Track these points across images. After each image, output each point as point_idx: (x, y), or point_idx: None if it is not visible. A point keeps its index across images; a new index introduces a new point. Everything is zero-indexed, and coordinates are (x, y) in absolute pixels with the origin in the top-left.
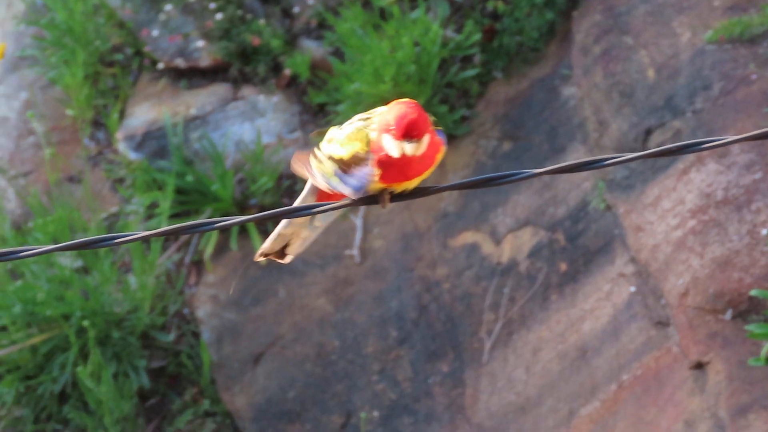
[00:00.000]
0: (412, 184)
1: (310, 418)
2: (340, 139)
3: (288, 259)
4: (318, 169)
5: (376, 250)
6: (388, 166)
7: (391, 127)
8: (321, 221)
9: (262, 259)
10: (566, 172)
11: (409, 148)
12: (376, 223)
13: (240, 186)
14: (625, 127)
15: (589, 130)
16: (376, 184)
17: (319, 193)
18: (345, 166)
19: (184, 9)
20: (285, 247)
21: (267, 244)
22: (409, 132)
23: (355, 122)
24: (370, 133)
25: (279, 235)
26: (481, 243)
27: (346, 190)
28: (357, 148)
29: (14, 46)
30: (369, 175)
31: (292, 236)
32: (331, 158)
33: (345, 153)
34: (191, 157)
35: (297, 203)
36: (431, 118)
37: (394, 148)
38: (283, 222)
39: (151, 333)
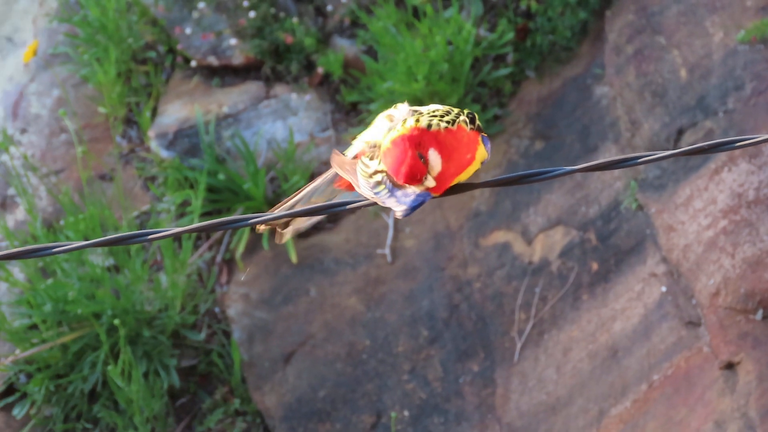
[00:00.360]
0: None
1: (341, 418)
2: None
3: (286, 237)
4: (362, 175)
5: (407, 250)
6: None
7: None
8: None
9: (262, 228)
10: (599, 170)
11: (430, 182)
12: (408, 222)
13: (272, 184)
14: (657, 126)
15: (621, 129)
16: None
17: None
18: (393, 179)
19: (217, 7)
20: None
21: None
22: (411, 179)
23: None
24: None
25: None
26: (512, 242)
27: (397, 207)
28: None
29: (47, 44)
30: (427, 196)
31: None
32: (383, 171)
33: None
34: (223, 155)
35: (311, 185)
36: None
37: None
38: (299, 196)
39: (182, 332)
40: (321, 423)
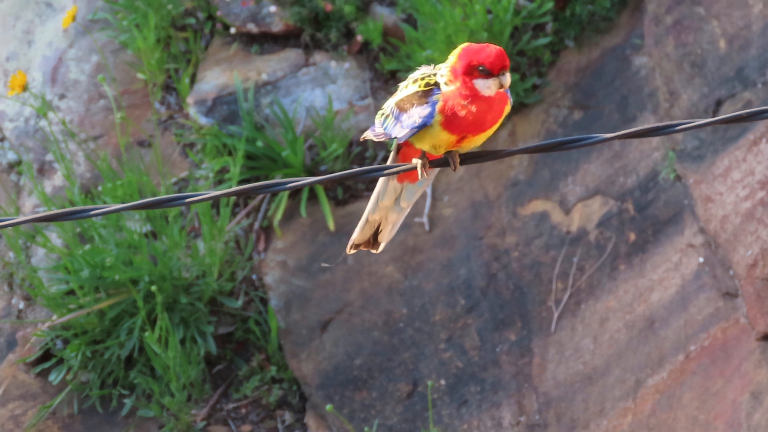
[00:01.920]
0: (479, 140)
1: (377, 386)
2: (404, 84)
3: (381, 247)
4: (376, 119)
5: (445, 218)
6: (456, 109)
7: (479, 68)
8: (407, 201)
9: (353, 251)
10: (637, 137)
11: (506, 80)
12: (446, 191)
13: (310, 152)
14: (696, 97)
15: (659, 100)
16: (442, 136)
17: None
18: (402, 104)
19: None
20: (376, 234)
21: (356, 234)
22: (501, 62)
23: (420, 71)
24: (436, 77)
25: (366, 222)
26: (550, 212)
27: (398, 131)
28: (419, 87)
29: (86, 9)
30: (428, 116)
31: (381, 221)
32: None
33: (406, 93)
34: (262, 122)
35: (376, 190)
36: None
37: (490, 86)
38: (369, 207)
39: (219, 299)
40: (357, 391)
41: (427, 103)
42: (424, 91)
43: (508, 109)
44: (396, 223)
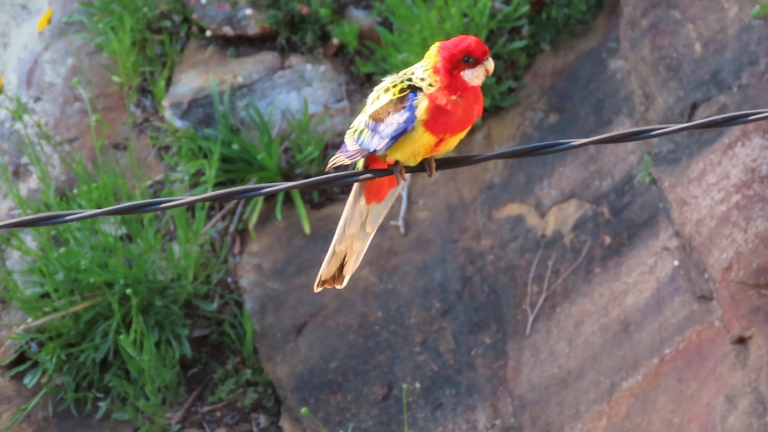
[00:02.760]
0: (454, 142)
1: (352, 389)
2: (374, 96)
3: (345, 282)
4: (347, 139)
5: (420, 221)
6: (437, 109)
7: (464, 59)
8: (372, 225)
9: (320, 288)
10: (612, 142)
11: (490, 64)
12: (422, 194)
13: (286, 155)
14: (671, 101)
15: (635, 103)
16: (423, 139)
17: (367, 189)
18: (377, 115)
19: None
20: (341, 268)
21: (324, 269)
22: (483, 48)
23: (386, 80)
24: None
25: (333, 254)
26: (525, 215)
27: (377, 142)
28: (392, 95)
29: (61, 12)
30: (408, 120)
31: (346, 252)
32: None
33: (379, 104)
34: (237, 125)
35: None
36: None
37: (478, 74)
38: (336, 238)
39: (194, 302)
40: (332, 394)
41: (404, 108)
42: (399, 98)
43: (480, 108)
44: (360, 252)
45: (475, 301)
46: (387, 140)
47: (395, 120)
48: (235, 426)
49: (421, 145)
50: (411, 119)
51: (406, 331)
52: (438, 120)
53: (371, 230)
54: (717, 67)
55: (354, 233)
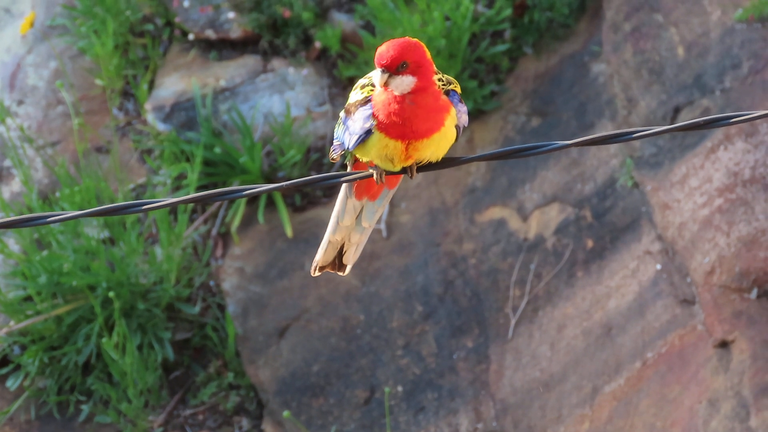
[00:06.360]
0: (427, 149)
1: (334, 392)
2: (354, 93)
3: (347, 270)
4: (335, 133)
5: (403, 225)
6: (386, 112)
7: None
8: (368, 221)
9: (318, 273)
10: (594, 145)
11: (376, 78)
12: (404, 197)
13: (268, 158)
14: (654, 104)
15: (617, 107)
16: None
17: (356, 187)
18: (348, 108)
19: None
20: (340, 256)
21: (319, 256)
22: (380, 60)
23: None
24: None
25: (328, 243)
26: (508, 218)
27: (347, 138)
28: (361, 95)
29: (44, 15)
30: (368, 116)
31: (344, 242)
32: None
33: (353, 99)
34: (220, 128)
35: (335, 209)
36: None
37: (397, 85)
38: (329, 228)
39: (177, 305)
40: (314, 398)
41: (365, 108)
42: (365, 98)
43: (451, 117)
44: (360, 244)
45: (457, 304)
46: (355, 137)
47: (359, 117)
48: (217, 429)
49: (384, 147)
50: (368, 119)
51: (388, 335)
52: (391, 123)
53: (368, 225)
54: (700, 71)
55: (349, 225)
